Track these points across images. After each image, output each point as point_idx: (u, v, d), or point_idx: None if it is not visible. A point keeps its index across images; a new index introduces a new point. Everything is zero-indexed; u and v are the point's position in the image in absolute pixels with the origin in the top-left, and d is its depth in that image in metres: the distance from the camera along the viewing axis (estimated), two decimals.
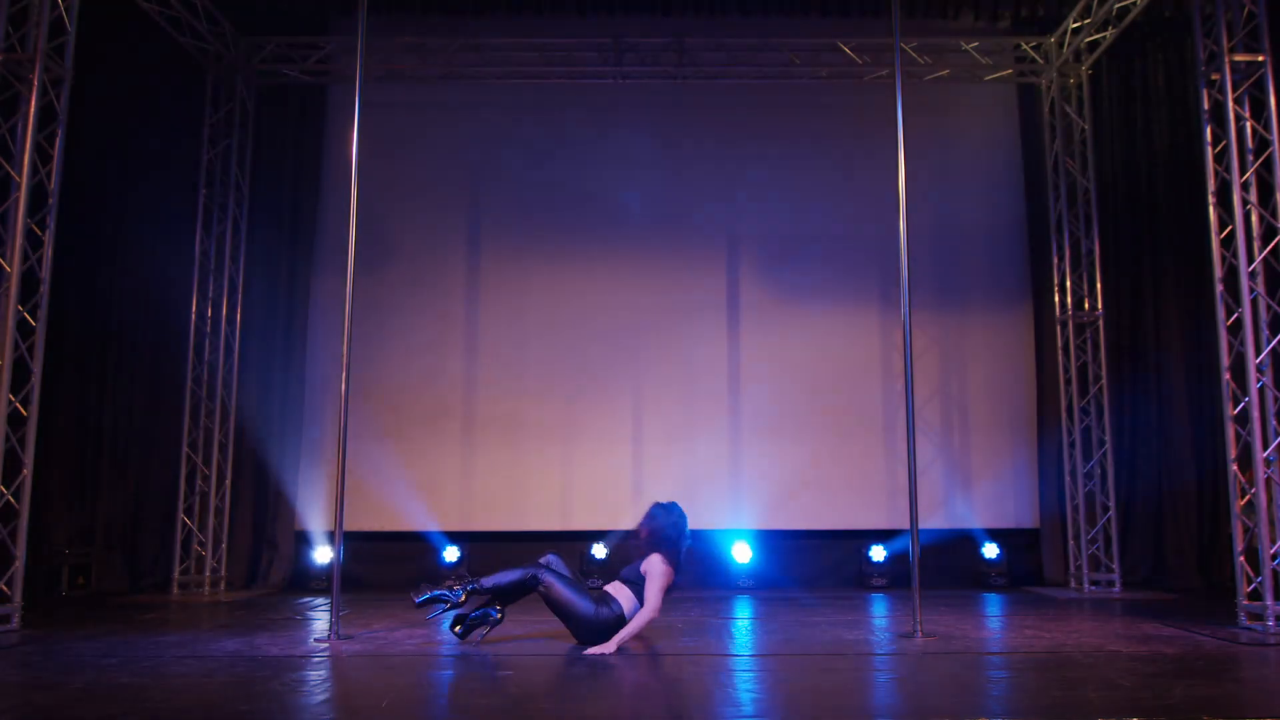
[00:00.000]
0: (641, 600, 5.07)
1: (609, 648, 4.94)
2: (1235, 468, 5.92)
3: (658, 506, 5.31)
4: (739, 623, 6.31)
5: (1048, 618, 6.35)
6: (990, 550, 8.30)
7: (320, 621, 6.18)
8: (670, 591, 5.21)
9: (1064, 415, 8.37)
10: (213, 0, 8.05)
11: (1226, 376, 5.99)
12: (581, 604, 5.09)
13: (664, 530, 5.19)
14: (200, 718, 3.70)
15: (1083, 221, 8.40)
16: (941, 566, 8.19)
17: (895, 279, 6.17)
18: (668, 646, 5.29)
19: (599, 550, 8.24)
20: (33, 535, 6.05)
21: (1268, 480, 5.69)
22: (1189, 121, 8.42)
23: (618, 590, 5.17)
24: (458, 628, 5.23)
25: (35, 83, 5.78)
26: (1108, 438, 8.09)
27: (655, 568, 5.10)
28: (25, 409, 5.76)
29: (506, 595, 5.19)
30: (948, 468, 8.70)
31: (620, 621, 5.06)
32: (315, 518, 8.49)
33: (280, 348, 8.65)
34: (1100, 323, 8.24)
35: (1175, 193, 8.52)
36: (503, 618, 5.25)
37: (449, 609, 5.13)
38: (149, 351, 8.38)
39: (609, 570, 8.12)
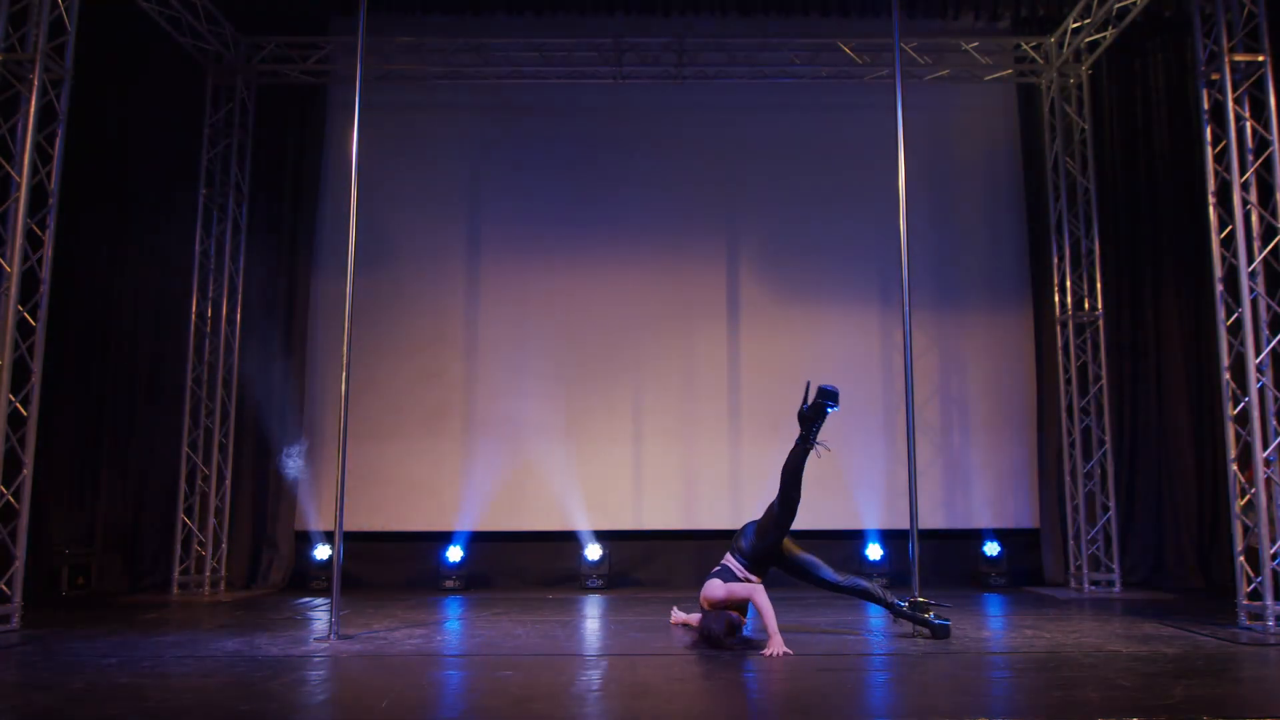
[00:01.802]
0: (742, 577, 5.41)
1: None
2: (1235, 468, 5.93)
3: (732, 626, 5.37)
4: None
5: (1048, 618, 6.36)
6: (990, 550, 8.30)
7: (320, 621, 6.18)
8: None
9: (1064, 415, 8.37)
10: (213, 0, 8.05)
11: (1226, 376, 5.99)
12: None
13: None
14: (200, 718, 3.70)
15: (1083, 221, 8.40)
16: (941, 566, 8.19)
17: (895, 279, 6.16)
18: (667, 645, 5.31)
19: (593, 551, 8.26)
20: (33, 535, 6.05)
21: (1268, 480, 5.69)
22: (1189, 121, 8.42)
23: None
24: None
25: (35, 83, 5.78)
26: (1107, 438, 8.09)
27: (742, 590, 5.33)
28: (25, 409, 5.77)
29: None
30: (948, 468, 8.70)
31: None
32: (315, 518, 8.49)
33: (280, 348, 8.65)
34: (1100, 323, 8.24)
35: (1175, 193, 8.51)
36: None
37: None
38: (149, 351, 8.38)
39: (606, 569, 8.29)
